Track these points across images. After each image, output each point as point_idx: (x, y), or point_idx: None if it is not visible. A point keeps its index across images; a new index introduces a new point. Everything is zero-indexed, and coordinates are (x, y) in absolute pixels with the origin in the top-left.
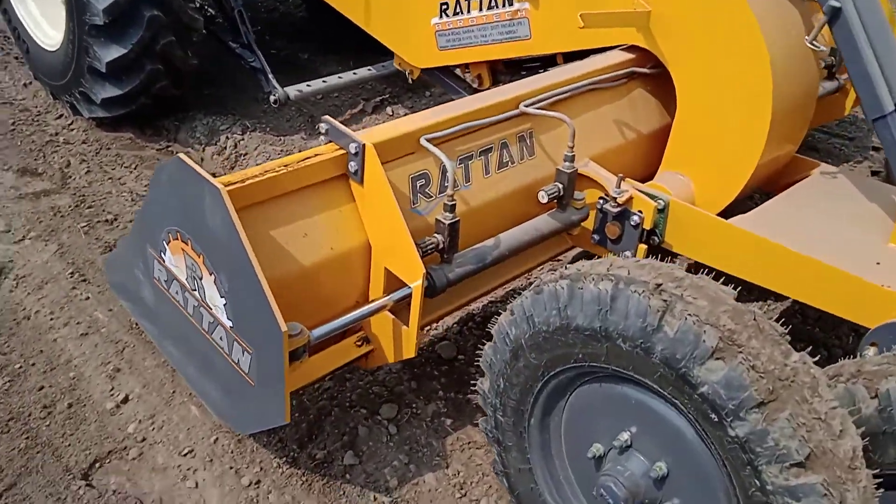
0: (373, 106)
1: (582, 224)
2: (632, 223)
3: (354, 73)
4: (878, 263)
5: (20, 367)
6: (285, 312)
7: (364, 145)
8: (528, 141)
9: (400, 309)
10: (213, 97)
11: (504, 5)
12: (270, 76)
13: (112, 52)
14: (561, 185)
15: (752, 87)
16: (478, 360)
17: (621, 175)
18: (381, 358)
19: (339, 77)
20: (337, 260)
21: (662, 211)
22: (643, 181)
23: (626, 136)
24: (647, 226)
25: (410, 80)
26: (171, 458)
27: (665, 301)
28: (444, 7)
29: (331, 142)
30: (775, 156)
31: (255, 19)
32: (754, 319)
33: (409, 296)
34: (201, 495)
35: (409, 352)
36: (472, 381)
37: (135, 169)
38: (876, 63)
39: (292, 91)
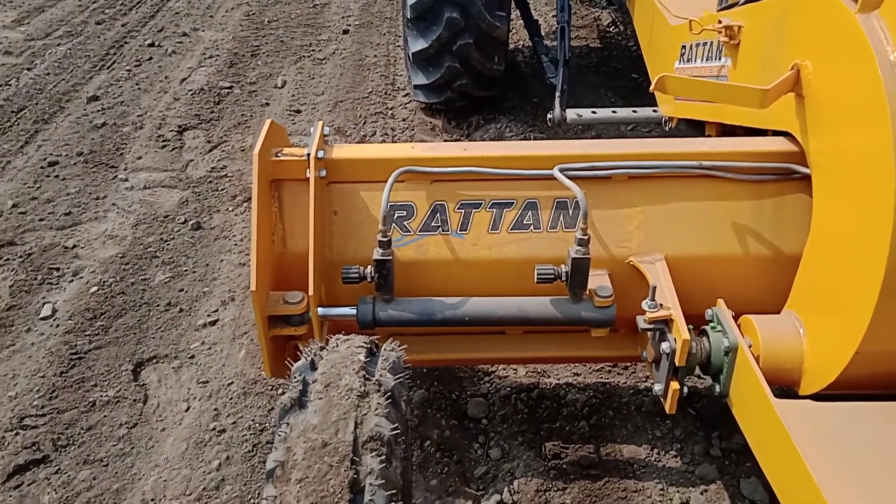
0: None
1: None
2: (664, 350)
3: (654, 111)
4: None
5: (185, 269)
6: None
7: (309, 155)
8: (569, 211)
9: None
10: (525, 106)
11: (715, 58)
12: (557, 95)
13: (417, 45)
14: (564, 270)
15: (873, 220)
16: None
17: (655, 284)
18: None
19: (634, 111)
20: None
21: (728, 354)
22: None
23: (748, 247)
24: (680, 362)
25: (667, 129)
26: (191, 381)
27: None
28: (683, 50)
29: None
30: None
31: None
32: None
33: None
34: (181, 419)
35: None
36: None
37: None
38: None
39: (571, 114)
